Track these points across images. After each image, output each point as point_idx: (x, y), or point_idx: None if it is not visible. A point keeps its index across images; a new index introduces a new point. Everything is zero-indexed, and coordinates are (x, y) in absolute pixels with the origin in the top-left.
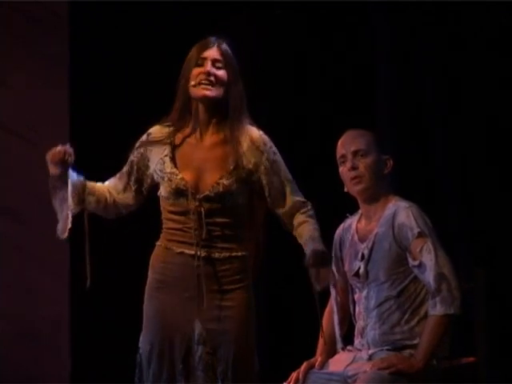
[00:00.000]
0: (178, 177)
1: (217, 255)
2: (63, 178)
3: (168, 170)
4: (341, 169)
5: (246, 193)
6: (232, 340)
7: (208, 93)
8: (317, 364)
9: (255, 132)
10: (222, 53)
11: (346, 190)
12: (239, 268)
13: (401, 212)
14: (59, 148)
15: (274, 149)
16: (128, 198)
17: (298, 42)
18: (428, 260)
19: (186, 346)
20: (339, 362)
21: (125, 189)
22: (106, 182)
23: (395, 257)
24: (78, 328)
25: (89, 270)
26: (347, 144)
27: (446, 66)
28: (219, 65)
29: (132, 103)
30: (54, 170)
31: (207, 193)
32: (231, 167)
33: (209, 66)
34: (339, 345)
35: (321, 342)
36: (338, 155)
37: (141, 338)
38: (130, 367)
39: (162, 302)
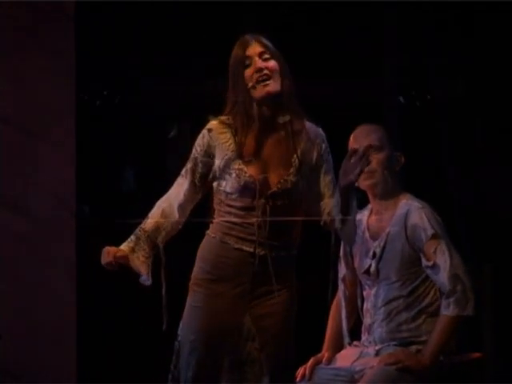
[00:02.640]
0: (247, 174)
1: (274, 254)
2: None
3: (236, 167)
4: None
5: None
6: (277, 336)
7: (269, 88)
8: (324, 359)
9: (315, 129)
10: (264, 44)
11: (356, 184)
12: (290, 266)
13: (413, 213)
14: (105, 260)
15: (328, 148)
16: (194, 194)
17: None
18: (442, 261)
19: (234, 340)
20: (346, 358)
21: (190, 187)
22: (165, 197)
23: (407, 257)
24: (84, 326)
25: (165, 315)
26: (360, 139)
27: (455, 60)
28: (266, 56)
29: (138, 99)
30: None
31: (275, 189)
32: (297, 163)
33: (258, 63)
34: (346, 339)
35: (328, 337)
36: (351, 150)
37: (181, 326)
38: (138, 365)
39: (211, 293)
